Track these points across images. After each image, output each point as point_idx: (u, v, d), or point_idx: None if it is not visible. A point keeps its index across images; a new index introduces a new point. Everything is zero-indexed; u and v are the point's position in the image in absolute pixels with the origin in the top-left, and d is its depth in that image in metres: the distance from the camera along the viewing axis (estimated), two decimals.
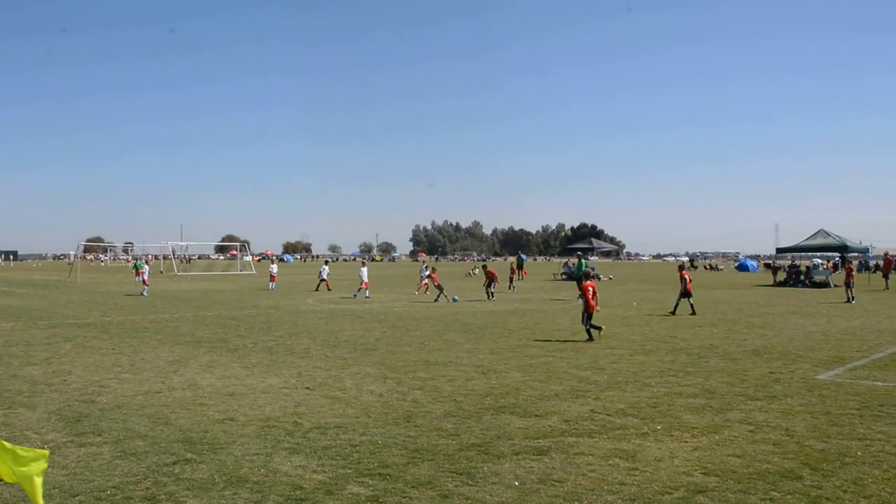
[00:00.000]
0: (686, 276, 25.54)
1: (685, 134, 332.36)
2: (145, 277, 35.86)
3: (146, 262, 38.22)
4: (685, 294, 25.19)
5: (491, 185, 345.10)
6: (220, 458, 7.50)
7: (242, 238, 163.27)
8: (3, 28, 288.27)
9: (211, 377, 12.29)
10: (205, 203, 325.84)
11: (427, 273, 35.07)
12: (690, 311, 24.78)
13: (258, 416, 9.46)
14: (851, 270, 33.18)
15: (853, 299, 31.14)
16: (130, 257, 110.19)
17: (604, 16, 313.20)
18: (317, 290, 38.77)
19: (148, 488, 6.57)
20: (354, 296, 33.91)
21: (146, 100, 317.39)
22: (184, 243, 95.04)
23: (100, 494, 6.40)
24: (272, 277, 41.14)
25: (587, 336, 17.53)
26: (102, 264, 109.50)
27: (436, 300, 30.75)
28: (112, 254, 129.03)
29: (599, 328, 17.91)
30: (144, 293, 34.55)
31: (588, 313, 17.72)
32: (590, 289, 17.92)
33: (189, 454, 7.64)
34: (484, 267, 33.21)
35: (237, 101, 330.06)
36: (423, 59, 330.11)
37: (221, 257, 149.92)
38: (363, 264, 39.48)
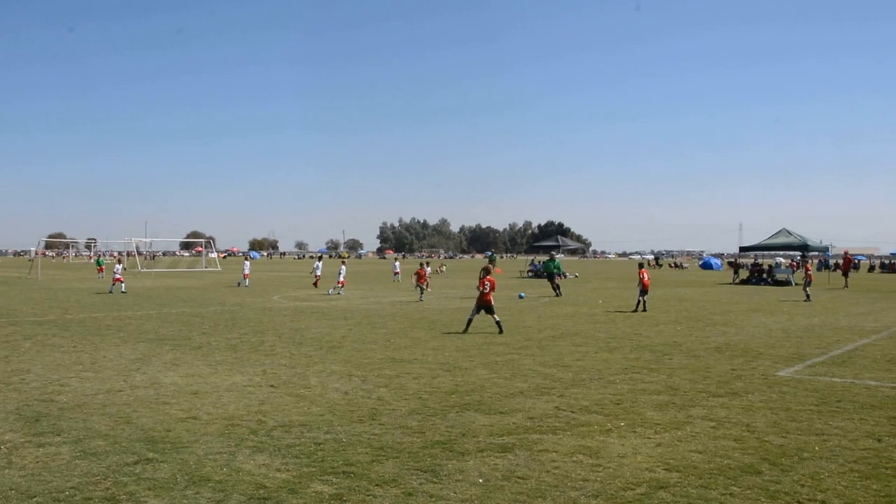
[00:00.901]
0: (643, 274, 25.72)
1: (651, 131, 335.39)
2: (118, 275, 34.99)
3: (118, 260, 37.36)
4: (643, 292, 25.42)
5: (458, 182, 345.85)
6: (183, 458, 7.42)
7: (208, 234, 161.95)
8: None
9: (174, 375, 12.17)
10: (170, 199, 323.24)
11: (397, 269, 35.37)
12: (639, 308, 25.12)
13: (222, 414, 9.38)
14: (809, 270, 33.68)
15: (809, 298, 31.61)
16: (93, 254, 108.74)
17: (563, 9, 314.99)
18: (315, 285, 38.78)
19: (108, 488, 6.49)
20: (329, 293, 33.90)
21: (109, 96, 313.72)
22: (148, 240, 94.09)
23: (58, 495, 6.31)
24: (245, 275, 40.72)
25: (465, 326, 18.56)
26: (64, 261, 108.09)
27: (420, 299, 29.91)
28: (74, 250, 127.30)
29: (470, 321, 18.72)
30: (122, 289, 33.94)
31: (480, 306, 18.62)
32: (486, 283, 18.61)
33: (151, 453, 7.56)
34: (421, 265, 32.47)
35: (202, 97, 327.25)
36: (383, 53, 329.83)
37: (186, 254, 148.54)
38: (342, 262, 39.60)
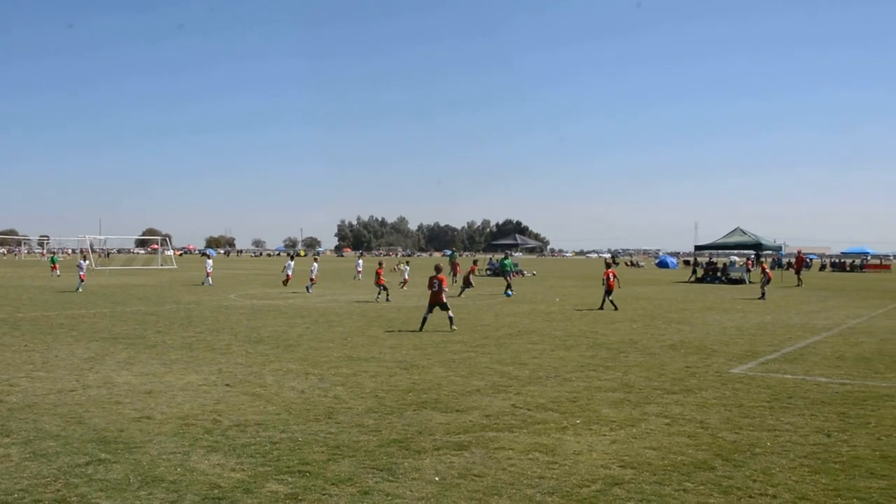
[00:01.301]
0: (609, 274, 25.76)
1: (608, 130, 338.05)
2: (83, 272, 34.15)
3: (83, 256, 36.51)
4: (607, 291, 25.52)
5: (417, 180, 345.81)
6: (136, 458, 7.32)
7: (164, 232, 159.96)
8: None
9: (128, 374, 12.01)
10: (125, 196, 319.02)
11: (360, 268, 35.18)
12: (599, 306, 25.32)
13: (176, 413, 9.28)
14: (766, 269, 34.20)
15: (764, 296, 32.11)
16: (46, 251, 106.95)
17: (529, 11, 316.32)
18: (285, 284, 38.13)
19: (58, 490, 6.38)
20: (307, 289, 33.69)
21: (60, 95, 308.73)
22: (102, 237, 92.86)
23: (6, 498, 6.19)
24: (208, 273, 40.03)
25: (420, 325, 18.61)
26: (16, 258, 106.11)
27: (377, 299, 29.06)
28: (27, 247, 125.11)
29: (425, 320, 18.80)
30: (79, 288, 33.19)
31: (433, 304, 18.82)
32: (436, 282, 18.79)
33: (103, 454, 7.45)
34: (380, 264, 32.22)
35: (158, 95, 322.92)
36: (336, 51, 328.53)
37: (142, 251, 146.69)
38: (315, 260, 39.45)
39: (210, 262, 42.02)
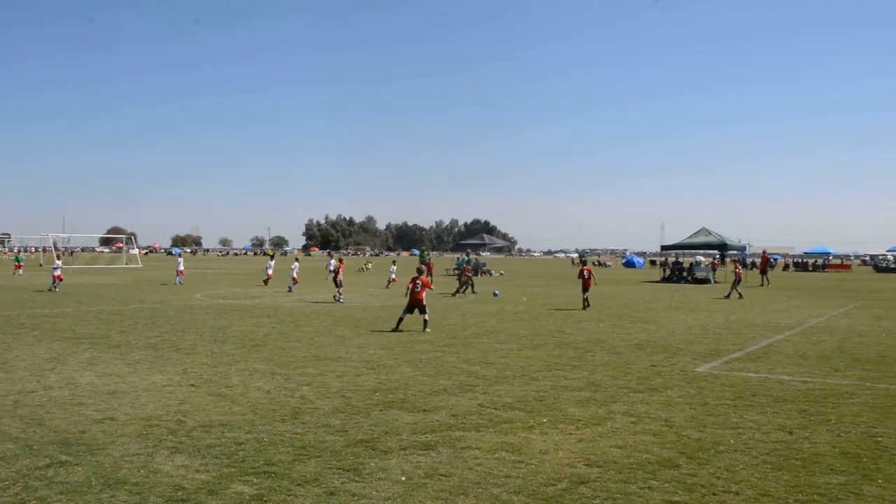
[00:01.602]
0: (586, 273, 26.06)
1: (574, 131, 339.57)
2: (58, 272, 33.08)
3: (58, 255, 35.73)
4: (584, 289, 25.79)
5: (385, 180, 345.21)
6: (98, 460, 7.23)
7: (129, 230, 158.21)
8: None
9: (91, 375, 11.86)
10: (90, 194, 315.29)
11: (332, 268, 34.94)
12: (583, 306, 25.44)
13: (140, 414, 9.17)
14: (738, 269, 34.57)
15: (730, 296, 32.45)
16: (8, 249, 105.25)
17: (486, 17, 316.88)
18: (266, 283, 37.92)
19: (17, 493, 6.27)
20: (289, 289, 33.78)
21: (23, 93, 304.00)
22: (66, 235, 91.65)
23: None
24: (180, 272, 39.84)
25: (396, 325, 18.52)
26: None
27: (335, 298, 28.48)
28: None
29: (401, 320, 18.73)
30: (52, 287, 32.33)
31: (411, 304, 18.72)
32: (418, 283, 18.70)
33: (64, 456, 7.34)
34: (340, 260, 32.02)
35: (125, 95, 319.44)
36: (306, 44, 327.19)
37: (106, 250, 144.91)
38: (296, 259, 39.48)
39: (181, 260, 41.80)
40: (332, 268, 39.94)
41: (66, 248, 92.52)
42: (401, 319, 18.63)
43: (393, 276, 39.15)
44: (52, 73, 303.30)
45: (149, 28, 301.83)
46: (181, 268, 40.14)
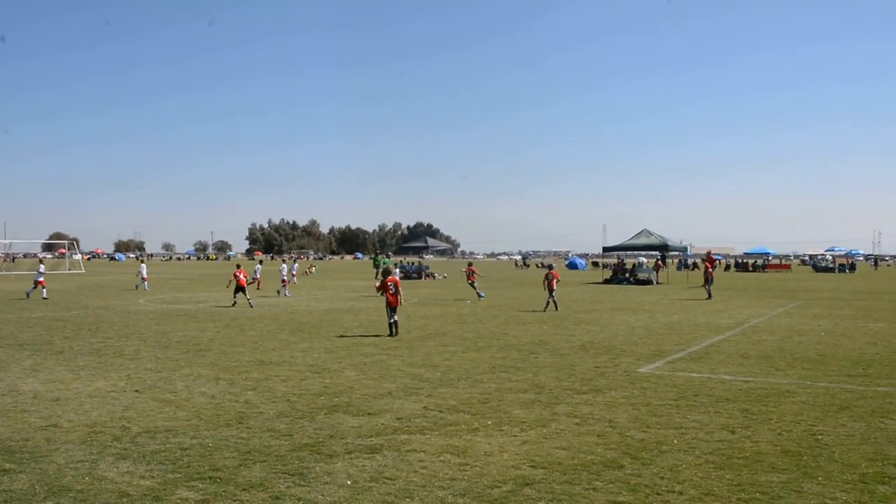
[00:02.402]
0: (551, 276, 26.67)
1: (515, 131, 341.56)
2: (41, 278, 31.79)
3: (41, 261, 34.55)
4: (550, 291, 26.21)
5: (328, 183, 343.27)
6: (42, 467, 7.07)
7: (71, 236, 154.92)
8: None
9: (34, 382, 11.60)
10: (32, 200, 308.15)
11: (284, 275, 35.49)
12: (554, 308, 25.91)
13: (84, 421, 8.99)
14: (709, 269, 35.18)
15: (711, 296, 33.24)
16: None
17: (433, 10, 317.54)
18: (258, 287, 37.59)
19: None
20: (278, 292, 34.29)
21: None
22: (7, 241, 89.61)
23: None
24: (143, 278, 39.53)
25: (389, 331, 18.09)
26: None
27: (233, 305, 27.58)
28: None
29: (392, 324, 18.33)
30: (44, 294, 31.22)
31: (391, 308, 18.30)
32: (390, 285, 18.37)
33: (7, 464, 7.16)
34: (238, 265, 31.94)
35: (71, 101, 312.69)
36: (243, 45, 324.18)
37: (49, 256, 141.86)
38: (283, 262, 40.65)
39: (144, 266, 41.93)
40: (257, 275, 39.44)
41: (8, 253, 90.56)
42: (390, 324, 18.17)
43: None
44: None
45: (86, 32, 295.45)
46: (144, 274, 39.92)
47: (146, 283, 39.40)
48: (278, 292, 33.52)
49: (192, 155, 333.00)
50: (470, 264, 37.41)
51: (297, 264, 47.75)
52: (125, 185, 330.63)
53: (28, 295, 31.62)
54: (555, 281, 26.68)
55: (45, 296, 31.23)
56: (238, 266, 29.81)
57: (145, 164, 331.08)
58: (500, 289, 41.43)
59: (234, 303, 27.38)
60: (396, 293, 18.30)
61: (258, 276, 36.25)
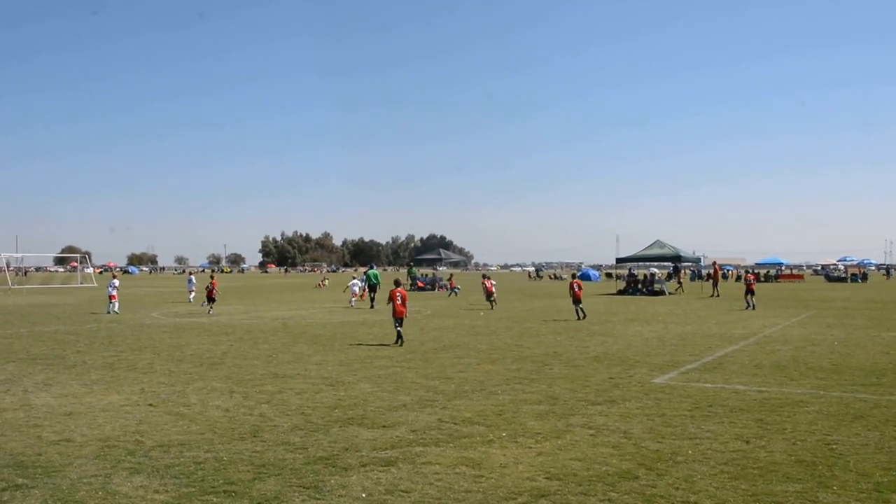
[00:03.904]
0: (575, 285, 27.25)
1: (527, 142, 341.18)
2: (113, 293, 30.73)
3: (113, 276, 33.81)
4: (575, 301, 26.86)
5: (342, 195, 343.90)
6: (55, 482, 7.11)
7: (84, 249, 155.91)
8: None
9: (46, 396, 11.67)
10: (44, 214, 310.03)
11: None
12: (579, 317, 26.50)
13: (97, 435, 9.04)
14: (750, 279, 35.34)
15: (751, 306, 33.55)
16: None
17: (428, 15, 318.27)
18: (363, 297, 37.77)
19: None
20: (351, 303, 35.38)
21: None
22: (19, 255, 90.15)
23: None
24: (111, 297, 30.98)
25: (396, 338, 18.70)
26: None
27: (209, 311, 30.60)
28: None
29: (400, 333, 18.86)
30: (116, 308, 30.57)
31: (397, 318, 18.78)
32: (398, 295, 18.75)
33: (20, 479, 7.21)
34: (212, 276, 32.97)
35: (74, 110, 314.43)
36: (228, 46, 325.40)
37: (61, 269, 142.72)
38: (353, 277, 41.15)
39: (115, 281, 32.94)
40: (355, 288, 38.44)
41: (20, 267, 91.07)
42: (398, 334, 18.78)
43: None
44: None
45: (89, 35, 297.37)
46: (113, 292, 31.17)
47: (115, 303, 30.89)
48: (210, 311, 30.69)
49: (201, 162, 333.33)
50: (486, 276, 37.56)
51: (193, 276, 46.19)
52: (137, 197, 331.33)
53: (108, 312, 30.13)
54: (580, 290, 27.26)
55: (116, 310, 30.40)
56: (212, 277, 33.74)
57: (157, 176, 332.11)
58: (514, 300, 41.38)
59: (210, 311, 29.88)
60: (403, 304, 18.75)
61: (356, 289, 36.14)
